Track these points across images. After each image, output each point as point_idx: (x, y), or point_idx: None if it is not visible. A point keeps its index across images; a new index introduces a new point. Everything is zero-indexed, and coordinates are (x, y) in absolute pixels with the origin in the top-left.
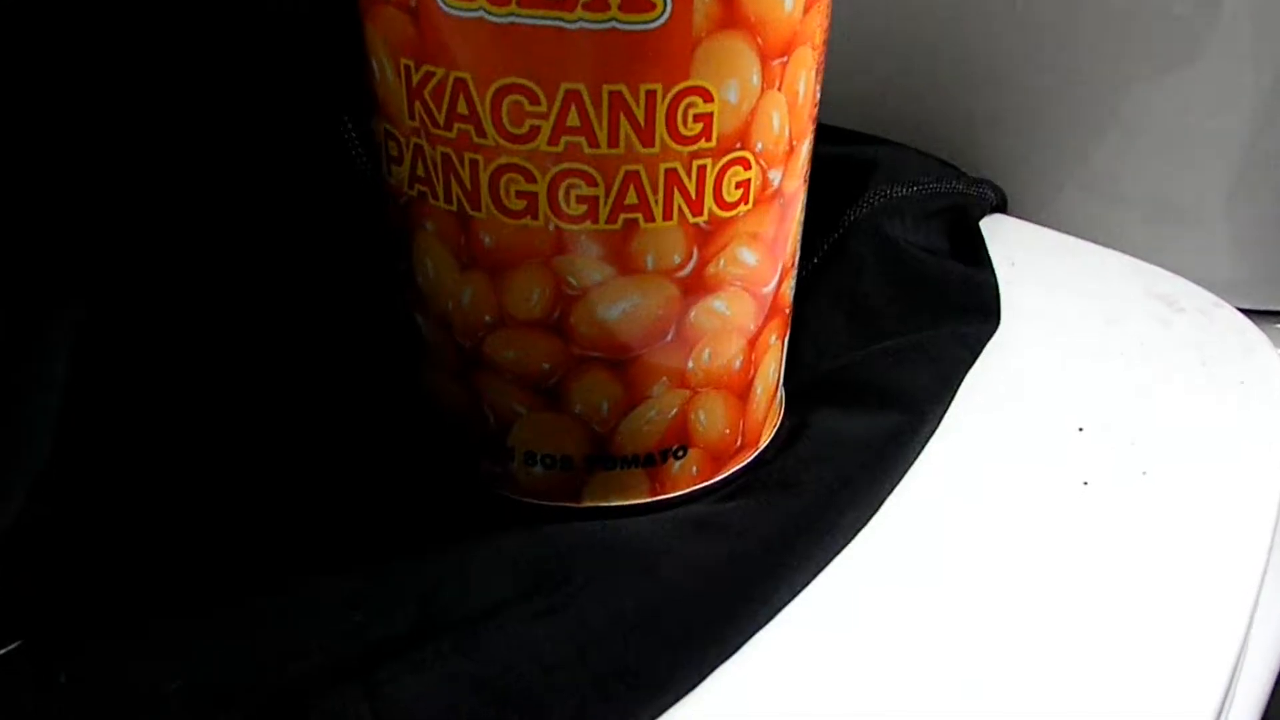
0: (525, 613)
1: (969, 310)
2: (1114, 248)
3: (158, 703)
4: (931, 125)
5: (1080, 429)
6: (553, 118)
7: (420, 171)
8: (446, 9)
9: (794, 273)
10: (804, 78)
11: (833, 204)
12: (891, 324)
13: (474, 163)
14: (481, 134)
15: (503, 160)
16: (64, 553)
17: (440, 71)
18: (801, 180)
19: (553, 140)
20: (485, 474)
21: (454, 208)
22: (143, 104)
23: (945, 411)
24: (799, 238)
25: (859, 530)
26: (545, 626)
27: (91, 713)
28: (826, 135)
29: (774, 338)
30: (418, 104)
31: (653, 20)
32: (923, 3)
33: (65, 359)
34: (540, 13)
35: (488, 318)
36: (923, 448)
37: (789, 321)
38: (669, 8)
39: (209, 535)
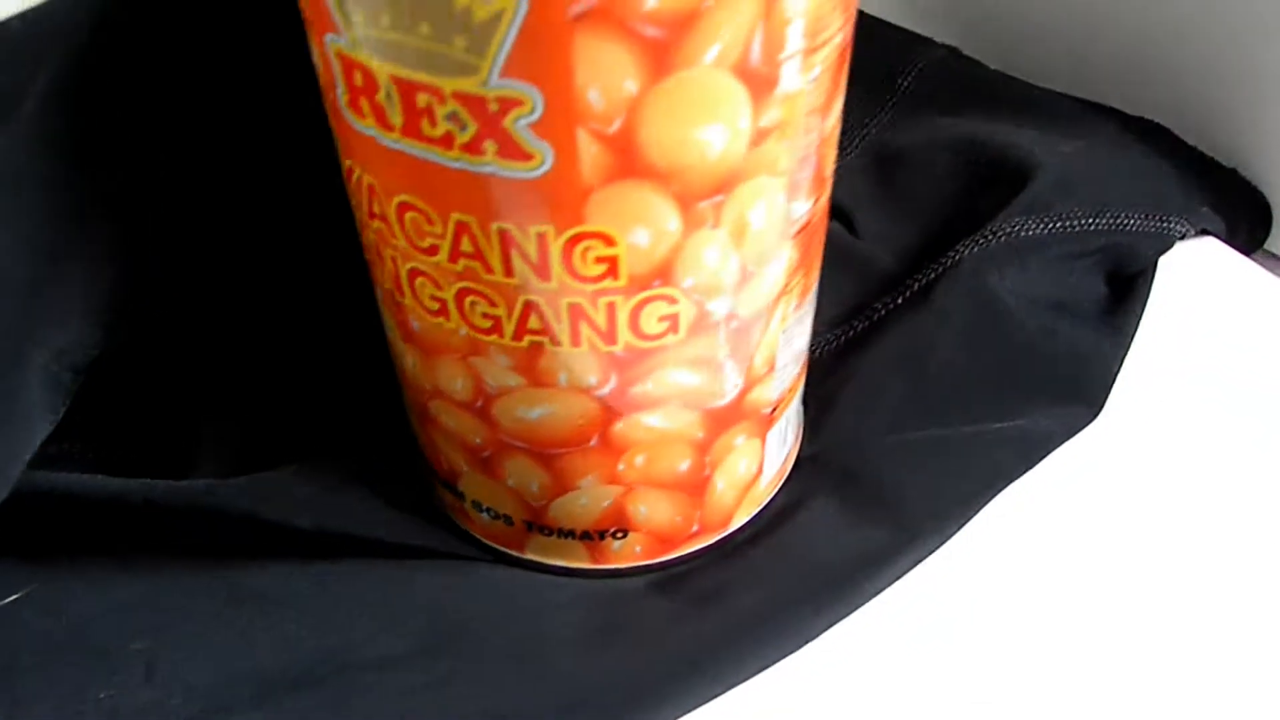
0: (405, 682)
1: (1064, 396)
2: None
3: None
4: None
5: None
6: (447, 241)
7: (365, 241)
8: (348, 117)
9: (781, 371)
10: (763, 206)
11: (952, 223)
12: (959, 405)
13: (393, 258)
14: (393, 236)
15: (413, 264)
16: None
17: (357, 170)
18: (776, 295)
19: (452, 259)
20: (445, 504)
21: (389, 286)
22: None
23: (953, 533)
24: (804, 336)
25: (766, 668)
26: (410, 701)
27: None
28: (994, 91)
29: (742, 439)
30: (349, 187)
31: (533, 170)
32: None
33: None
34: (421, 145)
35: (427, 386)
36: (901, 574)
37: (775, 416)
38: (549, 159)
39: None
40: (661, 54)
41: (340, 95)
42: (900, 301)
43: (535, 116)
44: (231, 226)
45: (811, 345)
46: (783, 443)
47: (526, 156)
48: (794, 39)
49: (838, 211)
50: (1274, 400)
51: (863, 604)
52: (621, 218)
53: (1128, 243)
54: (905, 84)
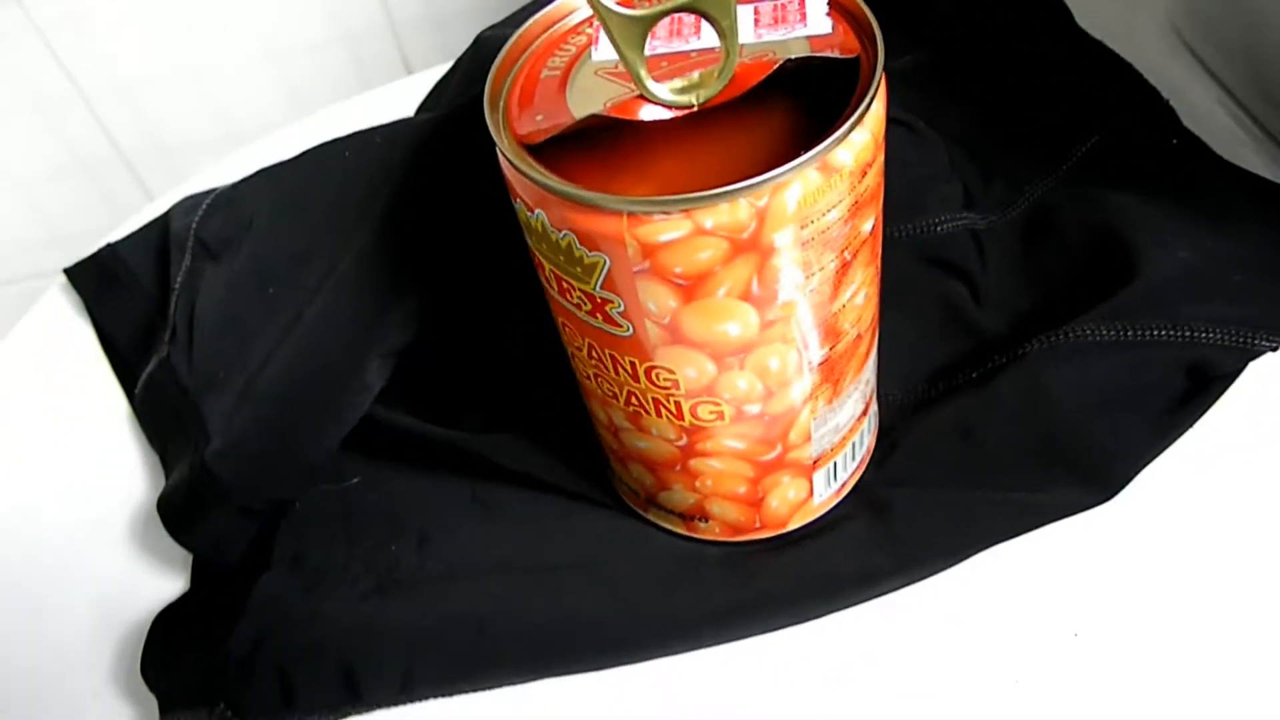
0: (552, 581)
1: (1079, 481)
2: None
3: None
4: None
5: (1075, 634)
6: (584, 350)
7: None
8: (538, 275)
9: (818, 441)
10: (777, 359)
11: (1065, 305)
12: (987, 473)
13: (566, 342)
14: (562, 334)
15: (572, 350)
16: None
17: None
18: (802, 401)
19: (589, 358)
20: (609, 475)
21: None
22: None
23: (939, 572)
24: (845, 414)
25: (766, 632)
26: (555, 596)
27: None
28: (1166, 172)
29: (787, 477)
30: None
31: (623, 333)
32: None
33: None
34: (567, 303)
35: (590, 410)
36: (888, 593)
37: (819, 464)
38: (631, 330)
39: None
40: (690, 290)
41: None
42: (975, 376)
43: (621, 309)
44: (485, 293)
45: (907, 391)
46: (830, 479)
47: (618, 326)
48: (786, 277)
49: (965, 276)
50: None
51: (849, 607)
52: (677, 363)
53: (1204, 354)
54: (1081, 152)
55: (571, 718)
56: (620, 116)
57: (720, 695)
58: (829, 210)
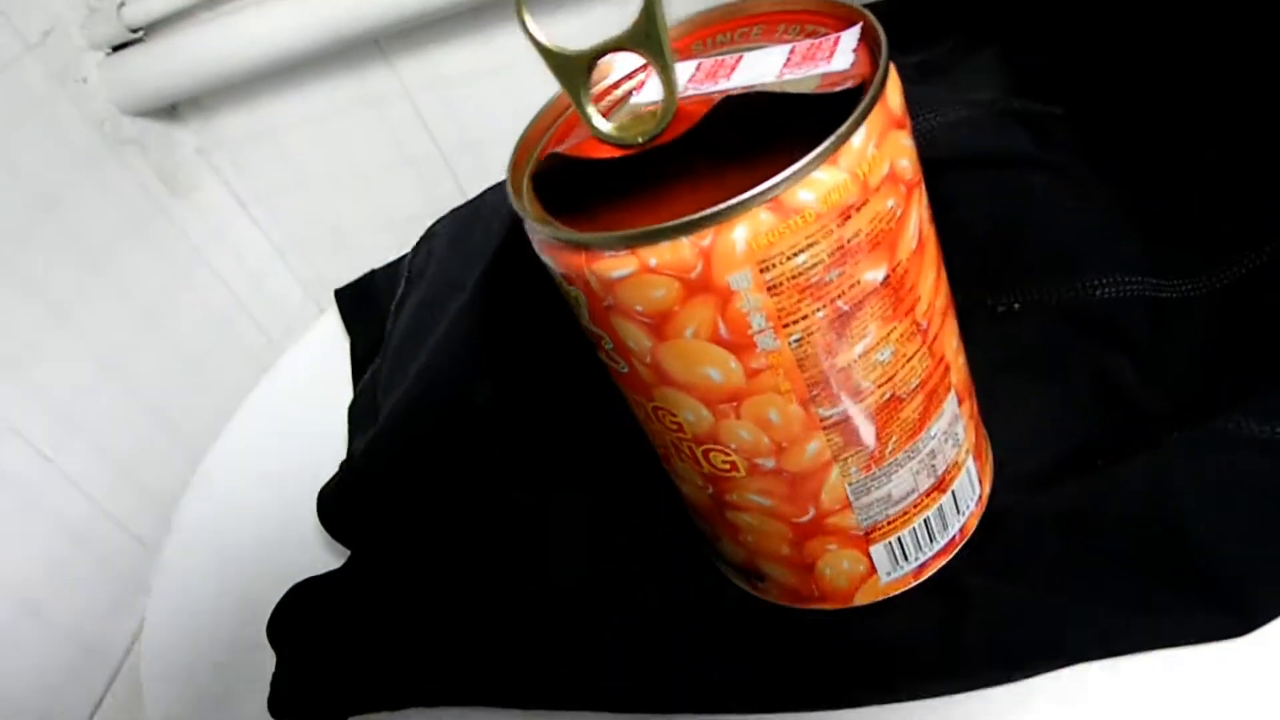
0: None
1: (1206, 603)
2: None
3: None
4: None
5: None
6: (619, 387)
7: None
8: None
9: (863, 510)
10: (775, 410)
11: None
12: (1102, 579)
13: None
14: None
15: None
16: None
17: None
18: (824, 462)
19: (623, 397)
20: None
21: None
22: None
23: (1000, 684)
24: (899, 485)
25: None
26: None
27: None
28: None
29: (834, 546)
30: None
31: (621, 369)
32: None
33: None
34: (589, 340)
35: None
36: (939, 695)
37: (874, 538)
38: (626, 367)
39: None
40: (657, 330)
41: None
42: (1102, 463)
43: (611, 346)
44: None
45: (1030, 471)
46: (897, 559)
47: (616, 362)
48: (758, 322)
49: (1130, 349)
50: None
51: (889, 704)
52: (672, 405)
53: None
54: None
55: None
56: (577, 155)
57: None
58: (796, 254)
